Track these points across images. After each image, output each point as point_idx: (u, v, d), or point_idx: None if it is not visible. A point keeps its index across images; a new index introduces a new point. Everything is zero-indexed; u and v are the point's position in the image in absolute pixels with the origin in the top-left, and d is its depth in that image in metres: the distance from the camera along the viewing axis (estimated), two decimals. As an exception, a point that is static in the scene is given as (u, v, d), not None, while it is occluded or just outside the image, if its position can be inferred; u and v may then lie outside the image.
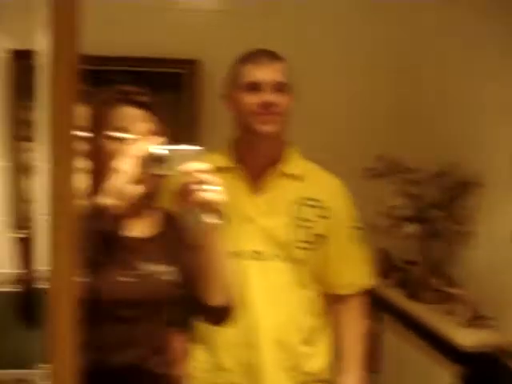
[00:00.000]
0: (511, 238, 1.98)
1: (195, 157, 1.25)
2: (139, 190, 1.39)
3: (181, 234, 1.54)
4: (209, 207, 1.24)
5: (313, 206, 1.81)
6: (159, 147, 1.25)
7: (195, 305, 1.48)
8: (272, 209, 1.80)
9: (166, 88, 2.66)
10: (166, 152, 1.25)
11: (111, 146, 1.42)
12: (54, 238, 0.67)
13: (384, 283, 2.61)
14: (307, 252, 1.80)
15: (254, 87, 1.74)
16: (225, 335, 1.75)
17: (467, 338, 1.97)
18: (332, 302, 1.88)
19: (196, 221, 1.25)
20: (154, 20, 2.70)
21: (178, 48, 2.69)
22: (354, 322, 1.89)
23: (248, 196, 1.75)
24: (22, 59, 2.58)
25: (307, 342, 1.84)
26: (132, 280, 1.45)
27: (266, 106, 1.72)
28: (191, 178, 1.23)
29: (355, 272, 1.89)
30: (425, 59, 2.67)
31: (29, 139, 2.62)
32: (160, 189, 1.58)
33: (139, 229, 1.54)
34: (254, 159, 1.79)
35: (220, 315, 1.50)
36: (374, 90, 2.83)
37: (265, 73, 1.74)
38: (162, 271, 1.49)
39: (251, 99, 1.74)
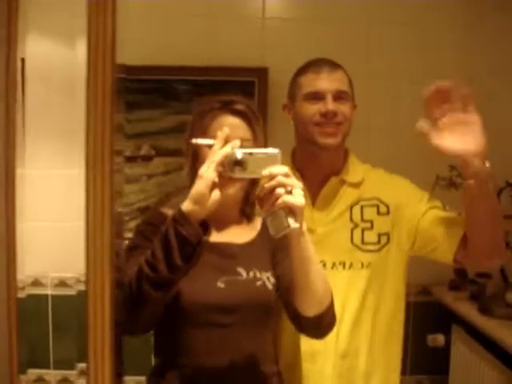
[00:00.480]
0: None
1: (276, 159, 1.26)
2: (220, 195, 1.39)
3: (279, 240, 1.48)
4: (292, 210, 1.23)
5: (370, 205, 1.79)
6: (240, 150, 1.27)
7: (292, 315, 1.46)
8: (331, 216, 1.79)
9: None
10: (247, 155, 1.26)
11: (205, 152, 1.46)
12: (91, 243, 0.69)
13: (457, 296, 2.55)
14: (374, 254, 1.78)
15: (315, 97, 1.73)
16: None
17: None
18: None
19: (280, 225, 1.23)
20: (225, 29, 2.74)
21: (251, 56, 2.71)
22: None
23: (308, 206, 1.75)
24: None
25: (376, 352, 1.81)
26: (230, 286, 1.48)
27: (328, 116, 1.71)
28: (274, 181, 1.23)
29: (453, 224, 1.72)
30: (502, 66, 2.58)
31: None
32: (252, 194, 1.61)
33: (237, 234, 1.58)
34: (315, 169, 1.78)
35: (316, 327, 1.45)
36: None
37: (325, 82, 1.73)
38: (259, 277, 1.50)
39: (312, 109, 1.73)
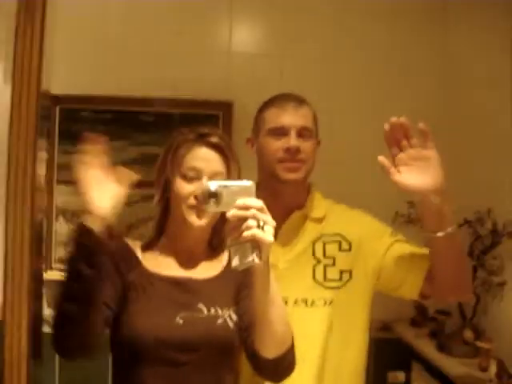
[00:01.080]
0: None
1: (250, 192, 1.23)
2: (200, 223, 1.45)
3: (246, 275, 1.45)
4: (259, 246, 1.19)
5: (332, 242, 1.77)
6: (214, 183, 1.24)
7: (250, 356, 1.42)
8: (293, 252, 1.77)
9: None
10: (222, 188, 1.23)
11: (177, 183, 1.48)
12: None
13: (417, 332, 2.55)
14: (336, 291, 1.74)
15: (279, 132, 1.71)
16: None
17: (495, 395, 1.88)
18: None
19: (244, 257, 1.19)
20: (191, 62, 2.75)
21: (216, 90, 2.72)
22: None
23: None
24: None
25: None
26: (188, 323, 1.43)
27: (291, 152, 1.69)
28: (248, 212, 1.20)
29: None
30: (459, 102, 2.63)
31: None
32: (222, 228, 1.59)
33: (202, 268, 1.55)
34: (278, 204, 1.75)
35: (274, 370, 1.40)
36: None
37: (290, 117, 1.71)
38: (221, 315, 1.46)
39: (276, 145, 1.71)
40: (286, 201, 1.76)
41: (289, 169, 1.71)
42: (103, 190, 1.32)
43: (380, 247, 1.74)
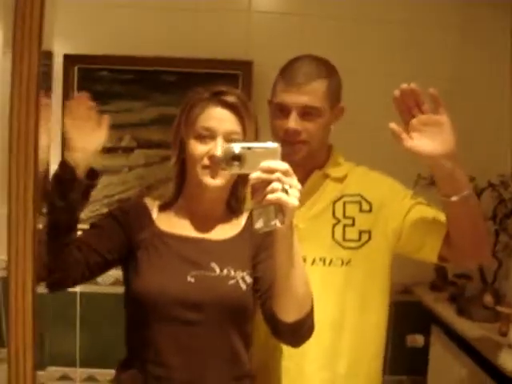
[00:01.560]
0: None
1: (275, 154, 1.20)
2: (215, 183, 1.44)
3: (265, 237, 1.46)
4: (284, 210, 1.17)
5: (353, 202, 1.76)
6: (238, 145, 1.21)
7: (269, 320, 1.40)
8: (313, 211, 1.77)
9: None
10: (245, 150, 1.20)
11: (196, 144, 1.46)
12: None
13: (437, 296, 2.54)
14: (355, 251, 1.75)
15: (281, 109, 1.68)
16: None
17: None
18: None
19: (267, 220, 1.16)
20: (211, 21, 2.70)
21: (236, 49, 2.68)
22: None
23: None
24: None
25: (358, 352, 1.78)
26: (199, 281, 1.43)
27: (290, 134, 1.66)
28: (273, 175, 1.17)
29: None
30: (479, 69, 2.56)
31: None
32: (241, 189, 1.57)
33: (218, 230, 1.54)
34: (297, 165, 1.74)
35: (293, 334, 1.38)
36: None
37: (293, 96, 1.66)
38: (233, 276, 1.45)
39: (278, 123, 1.69)
40: (304, 164, 1.74)
41: (288, 151, 1.66)
42: (84, 132, 1.40)
43: (401, 209, 1.73)
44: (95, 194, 2.60)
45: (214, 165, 1.43)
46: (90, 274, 1.48)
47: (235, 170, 1.20)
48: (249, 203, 1.63)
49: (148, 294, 1.40)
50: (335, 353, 1.76)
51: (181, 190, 1.56)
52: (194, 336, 1.41)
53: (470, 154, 2.57)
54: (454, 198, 1.55)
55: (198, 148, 1.45)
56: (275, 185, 1.16)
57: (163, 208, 1.56)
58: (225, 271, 1.45)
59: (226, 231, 1.55)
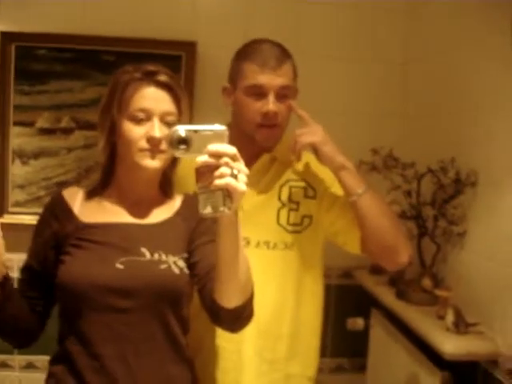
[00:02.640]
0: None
1: (223, 137, 1.16)
2: (154, 164, 1.41)
3: (201, 222, 1.47)
4: (232, 195, 1.14)
5: (298, 187, 1.79)
6: (183, 127, 1.16)
7: (209, 306, 1.38)
8: (259, 194, 1.77)
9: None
10: (192, 133, 1.16)
11: (130, 126, 1.41)
12: None
13: (377, 280, 2.57)
14: (297, 235, 1.78)
15: (257, 92, 1.68)
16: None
17: (451, 344, 1.89)
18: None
19: (215, 205, 1.13)
20: (154, 0, 2.63)
21: (177, 30, 2.62)
22: None
23: None
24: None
25: (294, 333, 1.81)
26: (129, 267, 1.39)
27: (269, 117, 1.67)
28: (221, 160, 1.13)
29: None
30: (428, 53, 2.58)
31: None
32: (172, 171, 1.55)
33: (149, 214, 1.51)
34: (246, 147, 1.73)
35: (235, 319, 1.37)
36: (374, 83, 2.77)
37: (269, 78, 1.67)
38: (165, 260, 1.42)
39: (254, 107, 1.68)
40: (256, 148, 1.76)
41: (265, 135, 1.71)
42: None
43: (337, 197, 1.79)
44: (33, 176, 2.57)
45: (153, 146, 1.40)
46: (49, 309, 1.52)
47: (181, 153, 1.17)
48: (182, 187, 1.61)
49: (75, 283, 1.36)
50: (275, 335, 1.78)
51: (110, 175, 1.51)
52: (127, 323, 1.37)
53: (410, 140, 2.62)
54: (351, 199, 1.68)
55: (133, 130, 1.40)
56: (224, 170, 1.12)
57: (90, 195, 1.51)
58: (156, 256, 1.41)
59: (158, 215, 1.51)
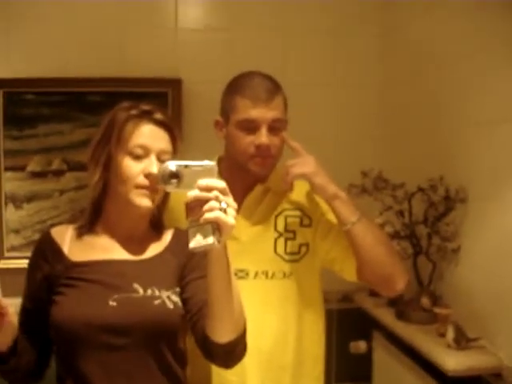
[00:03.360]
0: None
1: (212, 173, 1.19)
2: (149, 204, 1.42)
3: (191, 257, 1.46)
4: (221, 229, 1.15)
5: (294, 216, 1.79)
6: (174, 163, 1.19)
7: (201, 341, 1.37)
8: (255, 224, 1.78)
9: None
10: (182, 168, 1.18)
11: (129, 162, 1.42)
12: None
13: (376, 302, 2.57)
14: (295, 264, 1.79)
15: (250, 126, 1.69)
16: None
17: (453, 361, 1.89)
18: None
19: (204, 239, 1.14)
20: (137, 40, 2.68)
21: (162, 67, 2.65)
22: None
23: None
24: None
25: (297, 363, 1.80)
26: (122, 304, 1.38)
27: (262, 150, 1.68)
28: (211, 193, 1.15)
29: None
30: (410, 74, 2.62)
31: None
32: (162, 207, 1.56)
33: (140, 249, 1.50)
34: (239, 179, 1.75)
35: (227, 355, 1.36)
36: (358, 107, 2.81)
37: (262, 112, 1.68)
38: (158, 296, 1.41)
39: (246, 140, 1.70)
40: (249, 179, 1.78)
41: (259, 164, 1.72)
42: None
43: (332, 224, 1.79)
44: (27, 220, 2.58)
45: (151, 182, 1.41)
46: (50, 349, 1.51)
47: (172, 187, 1.19)
48: (172, 222, 1.62)
49: (69, 323, 1.36)
50: (278, 365, 1.78)
51: (99, 212, 1.51)
52: (123, 361, 1.37)
53: (399, 160, 2.65)
54: (344, 228, 1.69)
55: (132, 166, 1.41)
56: (213, 203, 1.14)
57: (80, 233, 1.51)
58: (149, 291, 1.41)
59: (148, 250, 1.51)
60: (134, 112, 1.45)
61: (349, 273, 1.78)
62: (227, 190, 1.18)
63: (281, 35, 2.76)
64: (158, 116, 1.46)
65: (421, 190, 2.20)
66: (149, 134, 1.44)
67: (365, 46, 2.83)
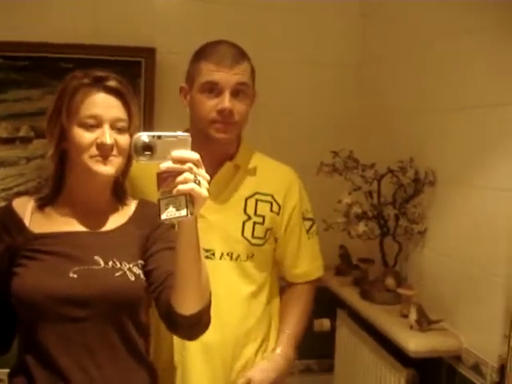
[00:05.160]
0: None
1: (186, 144, 1.16)
2: (108, 170, 1.38)
3: (156, 228, 1.45)
4: (194, 201, 1.14)
5: (265, 201, 1.79)
6: (146, 134, 1.16)
7: (165, 313, 1.36)
8: (224, 204, 1.77)
9: (123, 76, 2.58)
10: (155, 139, 1.15)
11: (81, 133, 1.38)
12: None
13: (342, 281, 2.58)
14: (259, 248, 1.80)
15: (212, 89, 1.67)
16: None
17: (415, 342, 1.92)
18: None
19: (177, 210, 1.13)
20: (112, 6, 2.62)
21: (136, 36, 2.61)
22: (297, 303, 1.91)
23: None
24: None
25: (252, 344, 1.83)
26: (83, 276, 1.36)
27: (224, 115, 1.66)
28: (185, 165, 1.13)
29: (306, 264, 1.90)
30: (383, 54, 2.62)
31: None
32: (124, 177, 1.52)
33: (102, 221, 1.48)
34: (209, 154, 1.72)
35: (192, 326, 1.35)
36: (332, 86, 2.80)
37: (225, 75, 1.66)
38: (119, 268, 1.39)
39: (209, 104, 1.67)
40: (216, 152, 1.75)
41: (221, 129, 1.69)
42: None
43: (296, 221, 1.87)
44: (-10, 187, 2.52)
45: (104, 152, 1.38)
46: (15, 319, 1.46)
47: (145, 159, 1.16)
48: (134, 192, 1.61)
49: (29, 295, 1.34)
50: (241, 343, 1.79)
51: (61, 184, 1.48)
52: (83, 333, 1.35)
53: (370, 141, 2.65)
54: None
55: (84, 136, 1.37)
56: (187, 175, 1.13)
57: (42, 205, 1.48)
58: (110, 263, 1.39)
59: (111, 222, 1.49)
60: (85, 81, 1.41)
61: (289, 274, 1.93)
62: (200, 162, 1.16)
63: (258, 9, 2.73)
64: (111, 83, 1.41)
65: (390, 171, 2.21)
66: (100, 103, 1.39)
67: (345, 24, 2.81)
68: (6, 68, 2.53)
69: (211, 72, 1.67)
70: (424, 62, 2.24)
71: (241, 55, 1.71)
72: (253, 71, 1.75)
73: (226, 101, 1.66)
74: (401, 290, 2.14)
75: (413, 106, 2.33)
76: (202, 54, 1.73)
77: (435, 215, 2.13)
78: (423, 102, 2.25)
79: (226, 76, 1.66)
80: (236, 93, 1.68)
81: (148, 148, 1.15)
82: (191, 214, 1.14)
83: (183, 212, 1.13)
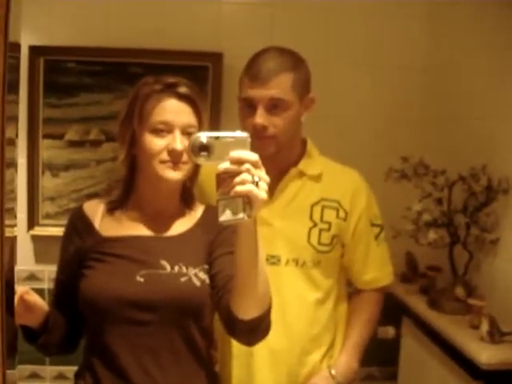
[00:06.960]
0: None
1: (245, 144, 1.15)
2: (177, 176, 1.41)
3: (220, 232, 1.46)
4: (252, 203, 1.12)
5: (331, 208, 1.77)
6: (205, 134, 1.15)
7: (225, 317, 1.37)
8: (290, 211, 1.76)
9: (191, 81, 2.60)
10: (213, 139, 1.14)
11: (152, 138, 1.41)
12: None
13: (408, 289, 2.54)
14: (325, 254, 1.79)
15: (248, 104, 1.67)
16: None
17: (487, 354, 1.86)
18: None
19: (234, 212, 1.11)
20: (181, 12, 2.65)
21: (204, 41, 2.63)
22: (365, 311, 1.91)
23: None
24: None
25: (318, 351, 1.82)
26: (149, 280, 1.40)
27: (258, 130, 1.64)
28: (243, 166, 1.12)
29: (374, 270, 1.89)
30: (453, 58, 2.56)
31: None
32: (193, 182, 1.55)
33: (169, 225, 1.51)
34: (271, 162, 1.73)
35: (251, 332, 1.35)
36: (402, 89, 2.74)
37: (260, 91, 1.65)
38: (185, 273, 1.42)
39: (246, 120, 1.68)
40: (275, 161, 1.72)
41: (257, 145, 1.66)
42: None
43: (364, 227, 1.86)
44: (63, 188, 2.59)
45: (175, 158, 1.39)
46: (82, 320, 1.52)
47: (203, 160, 1.15)
48: (203, 197, 1.61)
49: (96, 297, 1.37)
50: (306, 350, 1.78)
51: (131, 188, 1.51)
52: (148, 337, 1.38)
53: (441, 147, 2.60)
54: None
55: (155, 142, 1.40)
56: (245, 176, 1.11)
57: (112, 209, 1.51)
58: (176, 268, 1.41)
59: (178, 227, 1.51)
60: (156, 87, 1.44)
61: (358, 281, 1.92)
62: (260, 163, 1.14)
63: (325, 12, 2.71)
64: (182, 89, 1.44)
65: (462, 178, 2.16)
66: (171, 109, 1.42)
67: (413, 27, 2.75)
68: (77, 72, 2.59)
69: (247, 89, 1.67)
70: (500, 65, 2.17)
71: (281, 66, 1.67)
72: (297, 81, 1.70)
73: (257, 117, 1.65)
74: (471, 301, 2.08)
75: (486, 110, 2.26)
76: (247, 65, 1.73)
77: (509, 224, 2.07)
78: (497, 106, 2.18)
79: (260, 92, 1.64)
80: (272, 107, 1.66)
81: (205, 148, 1.14)
82: (248, 216, 1.13)
83: (240, 214, 1.12)
